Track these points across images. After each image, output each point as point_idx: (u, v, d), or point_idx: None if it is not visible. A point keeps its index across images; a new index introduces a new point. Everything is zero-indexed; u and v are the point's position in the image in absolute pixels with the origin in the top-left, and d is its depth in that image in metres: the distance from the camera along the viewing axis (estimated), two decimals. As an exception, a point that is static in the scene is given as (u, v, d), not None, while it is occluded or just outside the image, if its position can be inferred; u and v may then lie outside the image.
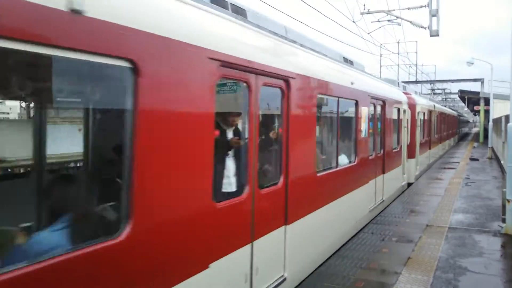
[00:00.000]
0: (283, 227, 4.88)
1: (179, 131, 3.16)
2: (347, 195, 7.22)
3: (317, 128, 6.07)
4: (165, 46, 2.99)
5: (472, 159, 22.97)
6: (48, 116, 3.99)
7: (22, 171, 5.96)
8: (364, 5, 18.74)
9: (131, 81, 2.73)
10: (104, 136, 3.88)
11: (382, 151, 9.92)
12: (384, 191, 10.11)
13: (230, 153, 4.42)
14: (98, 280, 2.52)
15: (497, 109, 27.12)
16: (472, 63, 28.50)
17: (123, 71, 2.70)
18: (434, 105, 21.12)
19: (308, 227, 5.55)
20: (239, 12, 4.59)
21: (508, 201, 7.82)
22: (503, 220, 8.09)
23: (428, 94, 49.80)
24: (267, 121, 5.10)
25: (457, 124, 42.40)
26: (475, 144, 36.94)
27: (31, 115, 5.38)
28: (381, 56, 39.02)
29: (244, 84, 4.20)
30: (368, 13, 18.49)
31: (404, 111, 12.68)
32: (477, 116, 62.95)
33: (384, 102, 9.94)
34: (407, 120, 13.28)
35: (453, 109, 46.46)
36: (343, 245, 7.15)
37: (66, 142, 6.09)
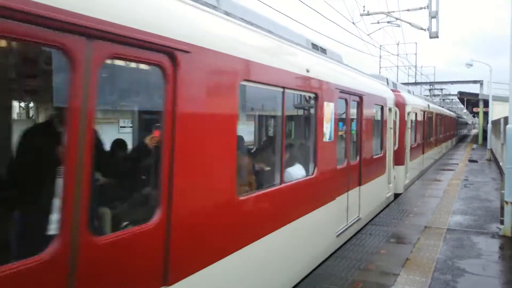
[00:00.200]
0: None
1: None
2: (296, 222, 5.31)
3: (246, 131, 4.70)
4: None
5: (471, 161, 23.02)
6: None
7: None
8: (364, 6, 18.83)
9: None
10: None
11: (357, 158, 8.07)
12: (361, 207, 8.22)
13: None
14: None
15: (496, 111, 27.21)
16: (471, 65, 28.53)
17: None
18: (428, 105, 19.21)
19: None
20: None
21: (507, 203, 7.83)
22: (502, 222, 8.10)
23: (427, 95, 49.86)
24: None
25: (455, 126, 42.23)
26: (474, 145, 37.01)
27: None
28: (380, 57, 39.12)
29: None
30: (368, 14, 18.50)
31: (390, 110, 10.98)
32: (476, 117, 63.10)
33: (361, 98, 8.11)
34: (394, 121, 11.74)
35: (451, 111, 46.42)
36: None
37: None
